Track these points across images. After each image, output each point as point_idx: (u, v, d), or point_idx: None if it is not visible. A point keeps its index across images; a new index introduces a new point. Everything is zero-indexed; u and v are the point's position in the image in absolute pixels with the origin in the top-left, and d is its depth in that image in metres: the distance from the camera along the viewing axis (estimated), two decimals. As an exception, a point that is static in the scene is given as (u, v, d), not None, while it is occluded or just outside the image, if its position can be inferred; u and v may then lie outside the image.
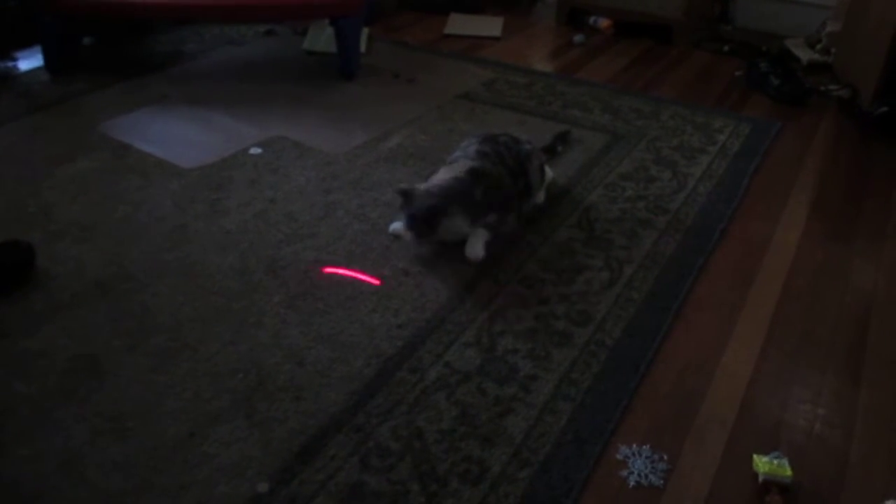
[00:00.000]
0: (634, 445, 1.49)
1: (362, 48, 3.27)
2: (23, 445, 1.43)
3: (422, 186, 1.97)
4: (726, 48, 3.58)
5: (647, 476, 1.42)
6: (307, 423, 1.49)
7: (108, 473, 1.38)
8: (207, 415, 1.50)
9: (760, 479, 1.42)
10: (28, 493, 1.34)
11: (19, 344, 1.67)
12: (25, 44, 3.12)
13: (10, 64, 3.02)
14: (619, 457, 1.46)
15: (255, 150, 2.49)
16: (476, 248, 1.96)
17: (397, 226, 2.05)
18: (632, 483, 1.41)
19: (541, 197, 2.23)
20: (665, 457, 1.47)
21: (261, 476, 1.38)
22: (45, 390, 1.55)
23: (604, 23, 3.79)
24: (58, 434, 1.45)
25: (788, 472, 1.42)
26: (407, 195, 1.93)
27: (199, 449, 1.43)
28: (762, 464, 1.44)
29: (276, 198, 2.23)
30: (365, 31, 3.36)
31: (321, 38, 3.37)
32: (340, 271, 1.85)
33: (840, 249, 2.14)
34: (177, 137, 2.57)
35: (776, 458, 1.45)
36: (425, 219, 1.91)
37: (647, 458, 1.46)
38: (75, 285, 1.85)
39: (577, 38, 3.64)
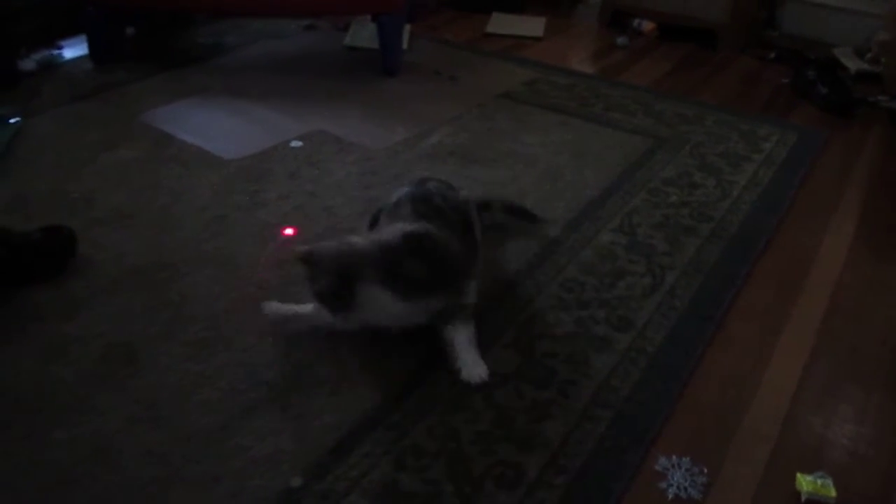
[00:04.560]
0: (674, 457, 1.45)
1: (404, 45, 3.26)
2: (58, 429, 1.43)
3: (331, 246, 1.57)
4: (772, 55, 3.51)
5: (686, 489, 1.39)
6: (342, 419, 1.47)
7: (142, 461, 1.38)
8: (242, 406, 1.49)
9: (803, 498, 1.38)
10: (63, 477, 1.34)
11: (57, 328, 1.68)
12: (70, 33, 3.16)
13: (55, 52, 3.06)
14: (657, 468, 1.43)
15: (295, 144, 2.49)
16: (475, 368, 1.56)
17: (274, 307, 1.70)
18: (671, 495, 1.38)
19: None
20: (705, 470, 1.43)
21: (294, 470, 1.36)
22: (81, 375, 1.56)
23: (647, 26, 3.74)
24: (93, 419, 1.46)
25: (833, 493, 1.38)
26: (310, 261, 1.54)
27: (233, 440, 1.42)
28: (806, 483, 1.39)
29: (316, 191, 2.23)
30: (406, 28, 3.35)
31: (363, 34, 3.37)
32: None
33: (889, 264, 2.08)
34: (217, 129, 2.58)
35: (820, 477, 1.41)
36: (332, 289, 1.52)
37: (686, 470, 1.42)
38: (114, 272, 1.86)
39: (620, 40, 3.60)
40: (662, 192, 2.31)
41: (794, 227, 2.21)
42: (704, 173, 2.43)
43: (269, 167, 2.34)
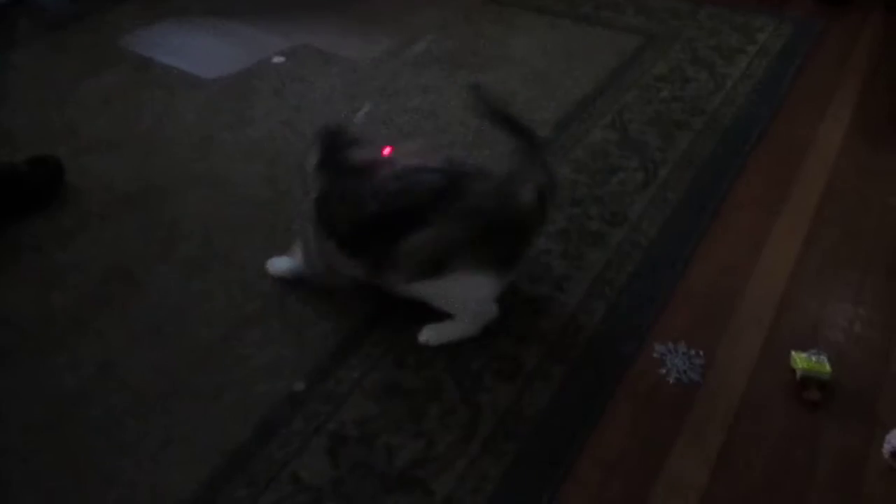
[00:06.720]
0: (670, 343, 1.47)
1: (384, -46, 3.16)
2: (62, 353, 1.45)
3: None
4: (766, -56, 3.39)
5: (686, 373, 1.41)
6: (340, 323, 1.49)
7: (148, 377, 1.40)
8: (240, 318, 1.51)
9: (798, 375, 1.40)
10: (70, 397, 1.36)
11: (53, 257, 1.68)
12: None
13: (26, -18, 2.97)
14: (655, 355, 1.45)
15: (277, 59, 2.44)
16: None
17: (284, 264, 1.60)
18: (672, 380, 1.40)
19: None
20: (702, 353, 1.45)
21: (296, 375, 1.39)
22: (80, 301, 1.56)
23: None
24: (96, 342, 1.47)
25: (827, 369, 1.40)
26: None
27: (235, 351, 1.44)
28: (800, 360, 1.41)
29: (302, 106, 2.20)
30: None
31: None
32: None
33: (885, 151, 2.06)
34: (198, 49, 2.52)
35: (815, 354, 1.43)
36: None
37: (683, 353, 1.44)
38: (105, 198, 1.85)
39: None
40: (654, 87, 2.27)
41: (790, 118, 2.18)
42: (697, 67, 2.38)
43: (253, 85, 2.31)
